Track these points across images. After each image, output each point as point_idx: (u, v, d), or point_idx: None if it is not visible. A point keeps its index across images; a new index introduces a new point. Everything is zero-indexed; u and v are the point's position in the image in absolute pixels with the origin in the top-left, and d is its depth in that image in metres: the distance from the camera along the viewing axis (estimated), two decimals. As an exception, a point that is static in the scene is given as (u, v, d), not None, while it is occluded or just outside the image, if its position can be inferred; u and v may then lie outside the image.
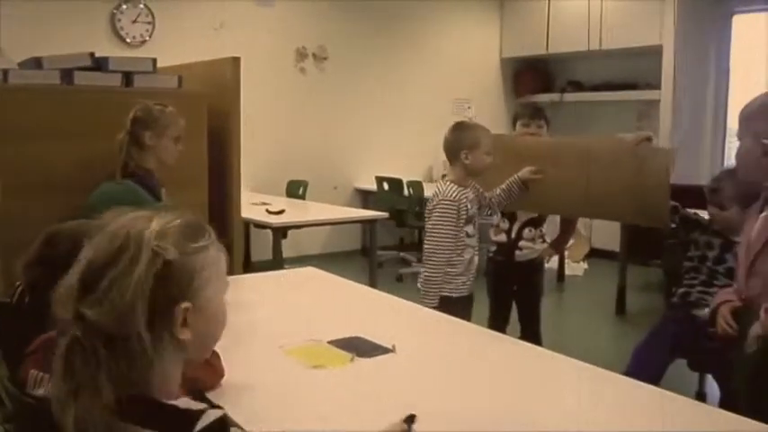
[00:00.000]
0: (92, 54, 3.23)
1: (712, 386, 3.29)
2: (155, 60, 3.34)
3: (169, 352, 1.05)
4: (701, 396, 3.38)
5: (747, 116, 1.99)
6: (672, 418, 1.60)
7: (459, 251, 2.80)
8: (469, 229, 2.83)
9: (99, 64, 3.20)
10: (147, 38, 6.34)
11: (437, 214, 2.76)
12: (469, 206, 2.81)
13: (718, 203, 2.87)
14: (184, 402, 1.04)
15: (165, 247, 1.03)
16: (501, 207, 3.08)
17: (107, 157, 2.91)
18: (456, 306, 2.70)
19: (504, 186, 3.00)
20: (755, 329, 1.87)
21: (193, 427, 0.99)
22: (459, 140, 2.80)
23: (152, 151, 2.80)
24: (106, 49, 5.46)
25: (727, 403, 2.30)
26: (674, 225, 3.07)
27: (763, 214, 2.01)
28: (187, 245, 1.06)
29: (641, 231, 5.04)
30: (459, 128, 2.87)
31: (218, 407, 1.08)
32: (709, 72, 7.17)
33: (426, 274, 2.82)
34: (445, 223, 2.75)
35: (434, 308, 2.63)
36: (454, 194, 2.76)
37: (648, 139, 2.88)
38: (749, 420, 1.52)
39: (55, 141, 2.94)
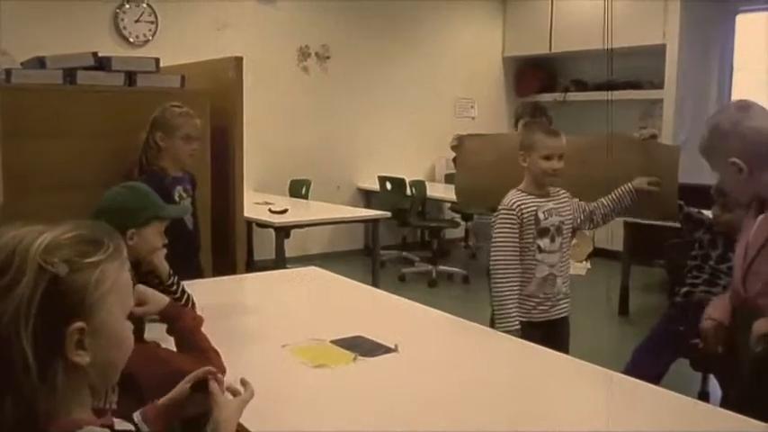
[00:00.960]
0: (94, 54, 3.24)
1: (715, 386, 3.29)
2: (157, 60, 3.35)
3: (64, 379, 0.95)
4: (703, 396, 3.38)
5: (706, 150, 2.03)
6: (673, 418, 1.60)
7: (529, 267, 2.54)
8: (544, 242, 2.54)
9: (102, 63, 3.21)
10: (150, 37, 6.35)
11: (496, 223, 2.56)
12: (541, 216, 2.54)
13: (723, 204, 2.86)
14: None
15: (52, 261, 0.94)
16: (607, 219, 2.78)
17: (110, 157, 2.92)
18: (534, 333, 2.42)
19: (612, 196, 2.73)
20: (760, 327, 1.86)
21: None
22: (520, 142, 2.62)
23: (165, 151, 2.84)
24: (109, 48, 5.47)
25: (728, 403, 2.29)
26: (677, 224, 3.07)
27: (761, 217, 2.00)
28: (79, 259, 0.97)
29: (644, 231, 5.04)
30: (524, 128, 2.85)
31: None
32: (713, 71, 7.16)
33: (492, 292, 2.55)
34: (502, 233, 2.53)
35: (515, 334, 2.37)
36: (512, 201, 2.55)
37: (654, 137, 2.88)
38: (751, 420, 1.52)
39: (58, 141, 2.95)
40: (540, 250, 2.54)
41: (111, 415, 1.09)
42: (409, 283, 6.45)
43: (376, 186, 7.19)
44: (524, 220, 2.53)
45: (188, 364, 1.55)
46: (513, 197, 2.56)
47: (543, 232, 2.53)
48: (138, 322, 1.62)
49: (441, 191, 7.03)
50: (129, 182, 1.97)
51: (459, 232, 7.85)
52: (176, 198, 2.87)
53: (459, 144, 3.20)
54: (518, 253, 2.52)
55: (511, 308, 2.47)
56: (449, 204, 7.41)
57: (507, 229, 2.52)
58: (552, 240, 2.54)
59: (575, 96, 8.01)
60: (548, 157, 2.51)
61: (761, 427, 1.50)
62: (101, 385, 1.03)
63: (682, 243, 3.16)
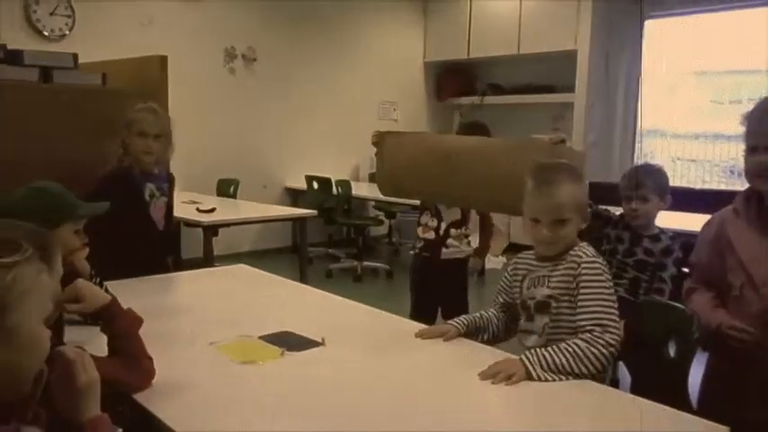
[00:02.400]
0: (3, 46, 3.06)
1: (624, 373, 3.39)
2: (75, 56, 3.21)
3: None
4: (614, 382, 3.48)
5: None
6: (588, 406, 1.64)
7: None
8: (522, 316, 2.04)
9: (13, 57, 3.04)
10: (67, 32, 6.03)
11: None
12: (526, 284, 2.02)
13: (641, 197, 2.94)
14: None
15: None
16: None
17: (23, 159, 2.79)
18: None
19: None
20: None
21: None
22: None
23: (128, 149, 2.76)
24: (21, 42, 5.18)
25: (637, 389, 2.36)
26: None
27: None
28: None
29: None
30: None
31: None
32: (622, 75, 7.39)
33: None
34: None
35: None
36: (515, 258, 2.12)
37: (562, 141, 2.94)
38: (662, 406, 1.57)
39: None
40: (520, 328, 2.04)
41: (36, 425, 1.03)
42: (336, 278, 6.44)
43: (303, 185, 7.16)
44: (510, 282, 2.09)
45: (115, 372, 1.49)
46: (515, 258, 2.10)
47: (523, 305, 2.01)
48: (57, 324, 1.55)
49: (365, 190, 7.05)
50: (38, 182, 1.86)
51: (382, 229, 7.89)
52: (147, 196, 2.79)
53: (380, 140, 3.23)
54: (501, 302, 2.13)
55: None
56: (373, 203, 7.45)
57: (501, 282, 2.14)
58: (530, 319, 1.98)
59: (491, 100, 8.15)
60: (536, 221, 1.92)
61: (667, 412, 1.56)
62: (11, 395, 0.97)
63: (591, 239, 3.24)
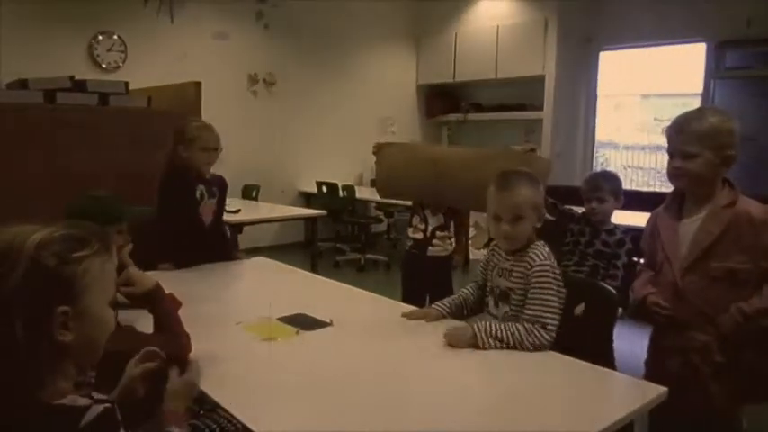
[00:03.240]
0: (71, 77, 3.11)
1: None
2: (127, 83, 3.24)
3: (49, 354, 0.94)
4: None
5: (701, 135, 1.85)
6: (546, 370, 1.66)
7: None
8: (490, 302, 2.03)
9: (78, 86, 3.09)
10: (121, 64, 6.12)
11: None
12: (495, 273, 2.00)
13: (599, 198, 2.96)
14: (71, 400, 0.95)
15: (43, 254, 0.94)
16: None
17: (87, 169, 2.81)
18: None
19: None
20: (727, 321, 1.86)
21: (79, 423, 0.91)
22: None
23: (187, 160, 2.73)
24: (84, 73, 5.25)
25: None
26: (553, 218, 3.16)
27: (704, 213, 1.91)
28: (67, 254, 0.97)
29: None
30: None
31: (109, 401, 0.98)
32: (581, 97, 7.41)
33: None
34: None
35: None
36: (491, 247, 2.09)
37: (533, 150, 2.96)
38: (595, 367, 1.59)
39: (39, 154, 2.82)
40: (488, 308, 2.03)
41: (89, 388, 1.06)
42: (342, 268, 6.44)
43: (314, 190, 7.16)
44: (485, 266, 2.08)
45: (161, 345, 1.51)
46: (489, 248, 2.08)
47: (491, 291, 2.01)
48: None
49: (367, 193, 7.05)
50: (94, 191, 1.91)
51: (382, 227, 7.89)
52: (197, 195, 2.77)
53: (379, 150, 3.28)
54: (476, 289, 2.12)
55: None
56: (374, 204, 7.45)
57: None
58: (496, 305, 1.97)
59: (473, 117, 8.15)
60: (496, 218, 1.89)
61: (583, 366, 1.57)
62: (84, 361, 1.02)
63: (557, 233, 3.25)
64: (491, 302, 2.00)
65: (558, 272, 1.87)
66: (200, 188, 2.79)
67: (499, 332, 1.76)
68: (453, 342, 1.77)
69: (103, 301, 1.02)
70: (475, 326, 1.79)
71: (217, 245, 2.85)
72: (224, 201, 3.00)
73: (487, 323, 1.79)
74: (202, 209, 2.81)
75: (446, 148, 3.42)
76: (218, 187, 2.91)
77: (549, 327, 1.77)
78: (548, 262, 1.84)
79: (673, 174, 1.94)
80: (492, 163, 2.90)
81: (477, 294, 2.12)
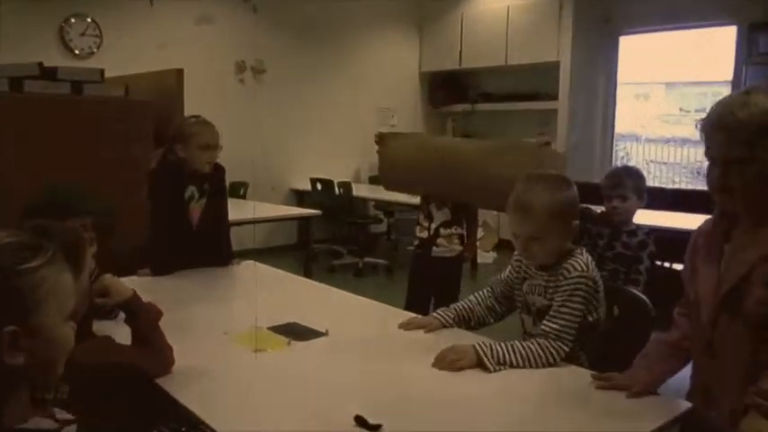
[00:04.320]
0: (40, 64, 3.10)
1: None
2: (102, 71, 3.23)
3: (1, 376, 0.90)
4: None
5: (754, 130, 1.37)
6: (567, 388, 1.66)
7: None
8: (527, 319, 1.99)
9: (48, 73, 3.08)
10: (95, 50, 6.10)
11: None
12: (526, 288, 1.97)
13: (621, 196, 2.95)
14: (35, 423, 0.93)
15: None
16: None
17: (58, 164, 2.80)
18: None
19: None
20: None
21: None
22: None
23: (185, 161, 2.71)
24: (55, 59, 5.24)
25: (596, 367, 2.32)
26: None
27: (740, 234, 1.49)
28: (16, 264, 0.91)
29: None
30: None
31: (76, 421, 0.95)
32: (600, 84, 7.41)
33: None
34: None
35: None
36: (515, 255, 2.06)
37: (547, 144, 2.96)
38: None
39: (4, 148, 2.82)
40: (525, 326, 1.99)
41: (62, 404, 1.05)
42: (338, 273, 6.44)
43: (308, 187, 7.16)
44: (512, 278, 2.04)
45: (141, 359, 1.51)
46: (514, 256, 2.02)
47: (526, 307, 1.97)
48: (86, 318, 1.56)
49: (365, 191, 7.05)
50: (53, 181, 1.86)
51: (382, 227, 7.89)
52: (186, 197, 2.76)
53: (381, 140, 3.34)
54: (488, 298, 2.10)
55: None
56: (372, 202, 7.45)
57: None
58: (534, 324, 1.91)
59: (482, 107, 8.15)
60: (515, 235, 1.87)
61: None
62: (40, 381, 0.98)
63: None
64: (528, 321, 1.96)
65: (596, 284, 1.82)
66: (191, 189, 2.78)
67: (508, 355, 1.72)
68: (445, 368, 1.70)
69: (60, 317, 0.97)
70: (478, 348, 1.73)
71: (209, 249, 2.82)
72: (223, 194, 2.96)
73: (494, 344, 1.74)
74: (191, 211, 2.80)
75: (454, 139, 3.46)
76: (213, 182, 2.88)
77: (566, 343, 1.76)
78: (585, 273, 1.81)
79: (711, 186, 1.47)
80: (502, 157, 2.91)
81: (489, 305, 2.10)
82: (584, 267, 1.81)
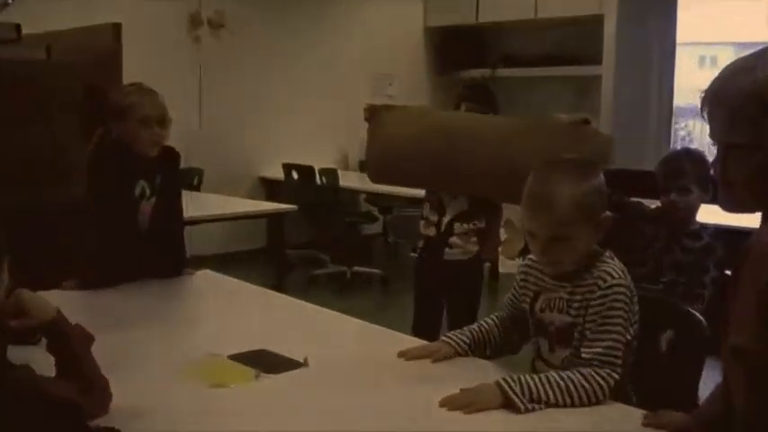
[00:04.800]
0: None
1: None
2: (18, 27, 3.23)
3: None
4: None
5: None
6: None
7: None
8: (543, 344, 1.99)
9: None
10: (9, 0, 6.08)
11: None
12: (539, 305, 1.99)
13: (681, 188, 2.94)
14: None
15: None
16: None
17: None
18: None
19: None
20: None
21: None
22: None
23: (126, 143, 2.70)
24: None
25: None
26: (615, 215, 3.16)
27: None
28: None
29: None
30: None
31: None
32: (654, 46, 7.41)
33: None
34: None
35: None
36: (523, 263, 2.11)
37: (586, 122, 2.95)
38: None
39: None
40: (540, 352, 2.00)
41: None
42: (320, 286, 6.45)
43: (280, 175, 7.16)
44: (519, 294, 2.07)
45: (69, 395, 1.51)
46: (524, 262, 2.06)
47: (540, 329, 1.98)
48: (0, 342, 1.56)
49: (355, 180, 7.06)
50: None
51: (376, 227, 7.90)
52: (137, 193, 2.76)
53: (373, 114, 3.25)
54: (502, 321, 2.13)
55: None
56: (364, 195, 7.46)
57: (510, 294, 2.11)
58: (551, 349, 1.94)
59: (504, 73, 8.15)
60: (531, 234, 1.88)
61: None
62: None
63: (619, 237, 3.25)
64: (543, 346, 1.97)
65: (633, 295, 1.85)
66: (142, 184, 2.78)
67: (543, 389, 1.72)
68: (462, 407, 1.70)
69: None
70: (503, 383, 1.72)
71: (159, 256, 2.83)
72: (177, 187, 2.97)
73: (523, 377, 1.74)
74: (141, 209, 2.80)
75: (467, 115, 3.40)
76: (165, 173, 2.87)
77: (615, 368, 1.76)
78: (624, 281, 1.83)
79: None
80: (529, 138, 2.92)
81: (504, 327, 2.11)
82: (621, 274, 1.84)
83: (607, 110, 7.17)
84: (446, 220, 3.38)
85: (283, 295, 2.91)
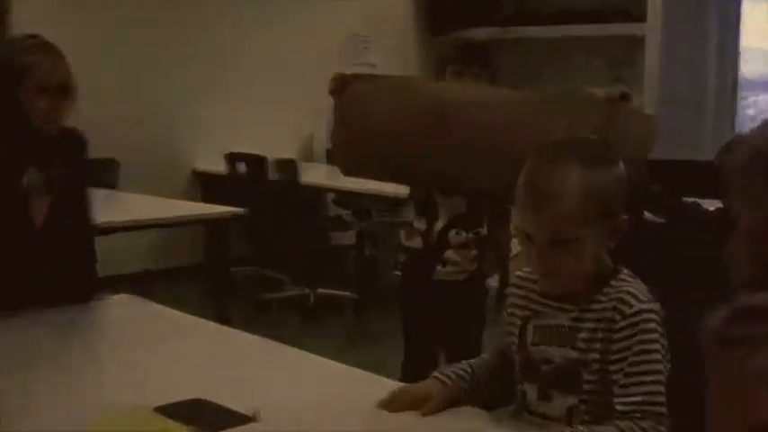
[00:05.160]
0: None
1: None
2: None
3: None
4: None
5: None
6: None
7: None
8: (530, 390, 1.99)
9: None
10: None
11: None
12: (530, 335, 2.00)
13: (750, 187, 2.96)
14: None
15: None
16: None
17: None
18: None
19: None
20: None
21: None
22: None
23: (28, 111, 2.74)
24: None
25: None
26: (662, 220, 3.18)
27: None
28: None
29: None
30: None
31: None
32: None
33: None
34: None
35: None
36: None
37: (624, 98, 2.96)
38: None
39: None
40: (526, 402, 2.00)
41: None
42: (276, 314, 6.45)
43: (222, 169, 7.15)
44: (507, 321, 2.09)
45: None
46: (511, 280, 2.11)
47: (529, 369, 1.98)
48: None
49: (321, 175, 7.07)
50: None
51: (349, 237, 7.89)
52: (25, 182, 2.76)
53: (342, 86, 3.22)
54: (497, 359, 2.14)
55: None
56: (333, 195, 7.46)
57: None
58: (544, 396, 1.94)
59: (517, 32, 8.19)
60: (527, 237, 1.88)
61: None
62: None
63: (669, 246, 3.27)
64: (531, 392, 1.96)
65: (663, 323, 1.85)
66: (32, 173, 2.77)
67: None
68: None
69: None
70: None
71: (57, 273, 2.82)
72: (83, 181, 2.99)
73: None
74: (31, 207, 2.79)
75: (467, 87, 3.40)
76: (66, 162, 2.88)
77: (662, 415, 1.77)
78: (653, 306, 1.84)
79: None
80: (545, 118, 2.92)
81: (499, 366, 2.11)
82: (648, 296, 1.85)
83: (651, 82, 7.20)
84: (438, 226, 3.38)
85: (226, 327, 2.90)
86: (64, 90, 2.78)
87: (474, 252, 3.40)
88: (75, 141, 2.91)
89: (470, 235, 3.39)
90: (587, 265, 1.86)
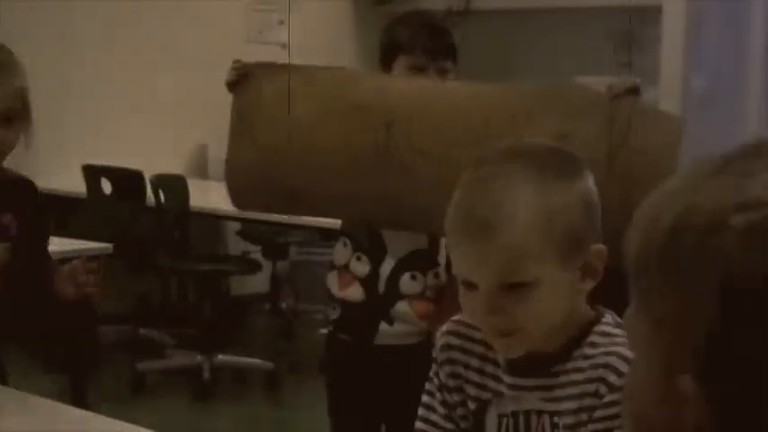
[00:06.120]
0: None
1: None
2: None
3: None
4: None
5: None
6: None
7: None
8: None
9: None
10: None
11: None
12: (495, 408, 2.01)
13: None
14: None
15: None
16: None
17: None
18: None
19: None
20: None
21: None
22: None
23: None
24: None
25: None
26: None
27: None
28: None
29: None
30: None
31: None
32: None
33: None
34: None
35: None
36: (441, 334, 2.13)
37: (633, 91, 3.00)
38: None
39: None
40: None
41: None
42: (157, 391, 6.43)
43: (80, 189, 7.13)
44: (450, 393, 2.07)
45: None
46: (447, 327, 2.09)
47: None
48: None
49: (219, 197, 7.05)
50: None
51: (259, 283, 7.91)
52: None
53: (243, 80, 3.23)
54: None
55: None
56: (238, 225, 7.47)
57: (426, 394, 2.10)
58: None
59: (489, 3, 8.27)
60: (467, 284, 1.86)
61: None
62: None
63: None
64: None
65: None
66: None
67: None
68: None
69: None
70: None
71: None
72: (41, 234, 3.20)
73: None
74: None
75: (423, 81, 3.40)
76: (16, 211, 2.98)
77: None
78: None
79: None
80: (531, 120, 2.96)
81: None
82: None
83: (670, 70, 7.31)
84: (385, 270, 3.35)
85: (85, 411, 2.89)
86: (9, 118, 2.90)
87: (431, 306, 3.37)
88: (23, 197, 3.09)
89: (430, 279, 3.36)
90: (555, 317, 1.83)
